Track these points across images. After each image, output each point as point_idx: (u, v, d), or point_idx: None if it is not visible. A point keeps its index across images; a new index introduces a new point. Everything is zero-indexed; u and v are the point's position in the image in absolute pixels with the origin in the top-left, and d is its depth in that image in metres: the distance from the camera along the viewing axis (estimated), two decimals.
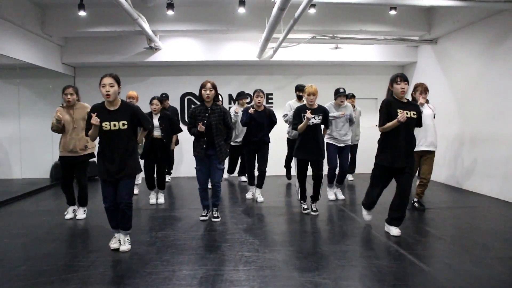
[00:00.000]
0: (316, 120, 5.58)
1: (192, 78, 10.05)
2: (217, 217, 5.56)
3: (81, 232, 4.94)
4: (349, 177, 8.91)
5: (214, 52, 9.43)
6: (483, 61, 7.33)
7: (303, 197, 6.02)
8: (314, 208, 5.89)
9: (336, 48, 9.55)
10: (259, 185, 6.80)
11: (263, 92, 6.74)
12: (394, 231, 4.73)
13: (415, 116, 4.62)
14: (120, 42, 9.16)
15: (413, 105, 4.74)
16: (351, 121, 6.63)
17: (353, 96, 8.22)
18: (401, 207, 4.73)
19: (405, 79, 4.66)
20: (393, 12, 7.90)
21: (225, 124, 5.45)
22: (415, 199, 6.18)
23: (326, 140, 6.41)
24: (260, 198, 6.74)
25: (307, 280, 3.51)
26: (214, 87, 5.30)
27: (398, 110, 4.52)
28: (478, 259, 3.99)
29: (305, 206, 5.96)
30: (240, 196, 7.39)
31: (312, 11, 7.72)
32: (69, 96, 5.57)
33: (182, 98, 10.14)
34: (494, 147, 7.02)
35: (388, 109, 4.62)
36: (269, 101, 10.24)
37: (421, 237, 4.85)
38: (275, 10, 6.03)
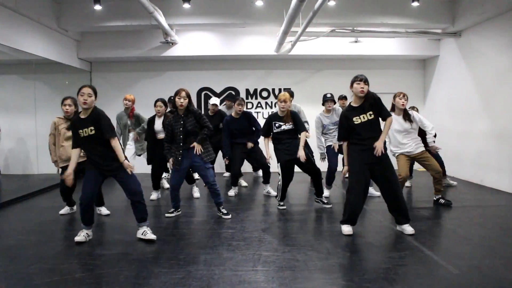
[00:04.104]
0: (288, 126, 5.68)
1: (209, 73, 9.96)
2: (227, 214, 5.49)
3: (95, 230, 4.84)
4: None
5: (231, 46, 9.27)
6: (510, 54, 7.01)
7: (283, 198, 6.01)
8: (325, 201, 6.01)
9: (356, 41, 9.31)
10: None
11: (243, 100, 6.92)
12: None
13: (371, 117, 4.52)
14: (136, 37, 9.07)
15: (368, 105, 4.55)
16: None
17: (344, 98, 7.93)
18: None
19: (363, 80, 4.55)
20: (415, 3, 7.64)
21: (201, 126, 5.29)
22: (438, 196, 6.07)
23: (327, 143, 6.62)
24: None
25: (329, 281, 3.35)
26: (188, 96, 5.28)
27: (354, 118, 4.54)
28: (509, 262, 3.77)
29: (282, 203, 5.99)
30: (257, 194, 7.25)
31: (331, 3, 7.53)
32: (67, 107, 5.41)
33: (199, 93, 10.03)
34: None
35: (345, 122, 4.66)
36: None
37: (447, 237, 4.65)
38: (294, 1, 5.86)
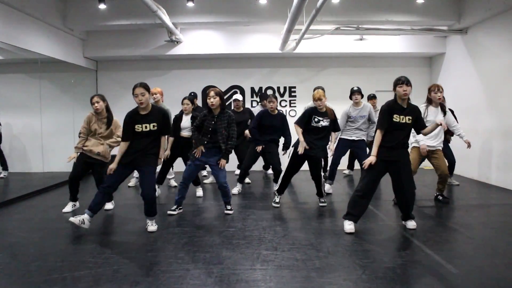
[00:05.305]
0: (326, 123, 5.63)
1: (214, 71, 9.97)
2: (230, 210, 5.65)
3: (97, 228, 4.88)
4: (346, 171, 8.98)
5: (235, 45, 9.27)
6: None
7: (280, 190, 6.08)
8: (322, 200, 6.06)
9: (360, 39, 9.25)
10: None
11: (275, 97, 6.70)
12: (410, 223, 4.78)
13: (410, 122, 4.56)
14: (141, 35, 9.10)
15: (411, 110, 4.62)
16: (370, 120, 6.78)
17: (374, 97, 8.02)
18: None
19: (407, 83, 4.55)
20: (420, 0, 7.58)
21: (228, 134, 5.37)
22: (437, 193, 6.14)
23: (343, 135, 6.68)
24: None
25: (327, 281, 3.34)
26: (218, 94, 5.29)
27: (395, 115, 4.52)
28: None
29: (277, 200, 6.05)
30: (261, 192, 7.25)
31: (335, 0, 7.49)
32: (96, 105, 5.49)
33: (204, 91, 10.02)
34: None
35: (387, 113, 4.58)
36: (292, 94, 10.06)
37: (449, 236, 4.60)
38: None
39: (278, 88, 10.07)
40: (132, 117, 4.59)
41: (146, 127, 4.54)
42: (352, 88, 6.67)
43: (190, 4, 7.42)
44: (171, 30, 8.31)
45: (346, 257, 3.87)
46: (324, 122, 5.59)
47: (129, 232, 4.81)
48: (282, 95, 10.07)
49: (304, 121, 5.61)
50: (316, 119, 5.58)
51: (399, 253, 3.99)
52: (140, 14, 7.94)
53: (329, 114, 5.67)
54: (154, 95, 6.86)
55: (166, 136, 5.11)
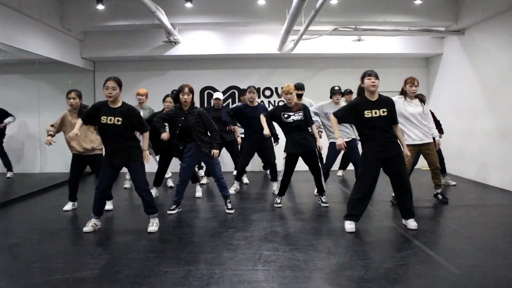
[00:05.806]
0: (297, 117, 5.67)
1: (211, 72, 9.96)
2: (231, 209, 5.67)
3: (98, 228, 4.87)
4: (339, 172, 8.98)
5: (234, 45, 9.26)
6: None
7: (281, 193, 6.08)
8: (324, 200, 6.03)
9: (358, 40, 9.27)
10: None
11: (255, 88, 6.80)
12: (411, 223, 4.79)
13: (384, 114, 4.55)
14: (139, 36, 9.08)
15: (383, 103, 4.62)
16: None
17: (350, 92, 8.01)
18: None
19: (376, 75, 4.63)
20: (418, 1, 7.61)
21: (208, 129, 5.45)
22: (438, 191, 6.18)
23: (329, 140, 6.54)
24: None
25: (330, 281, 3.35)
26: (191, 91, 5.37)
27: (365, 112, 4.53)
28: None
29: (279, 201, 6.07)
30: (260, 192, 7.25)
31: (334, 1, 7.51)
32: (71, 100, 5.60)
33: (202, 92, 10.03)
34: None
35: (352, 110, 4.65)
36: None
37: (449, 236, 4.64)
38: (295, 0, 5.85)
39: (276, 88, 10.06)
40: (99, 106, 4.61)
41: (110, 120, 4.51)
42: (333, 88, 6.60)
43: (189, 4, 7.41)
44: (169, 31, 8.31)
45: (347, 257, 3.88)
46: (296, 116, 5.66)
47: (130, 232, 4.81)
48: (280, 96, 10.08)
49: (271, 113, 5.86)
50: (286, 115, 5.67)
51: (400, 253, 4.00)
52: (138, 14, 7.93)
53: (294, 107, 5.70)
54: (140, 97, 6.95)
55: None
